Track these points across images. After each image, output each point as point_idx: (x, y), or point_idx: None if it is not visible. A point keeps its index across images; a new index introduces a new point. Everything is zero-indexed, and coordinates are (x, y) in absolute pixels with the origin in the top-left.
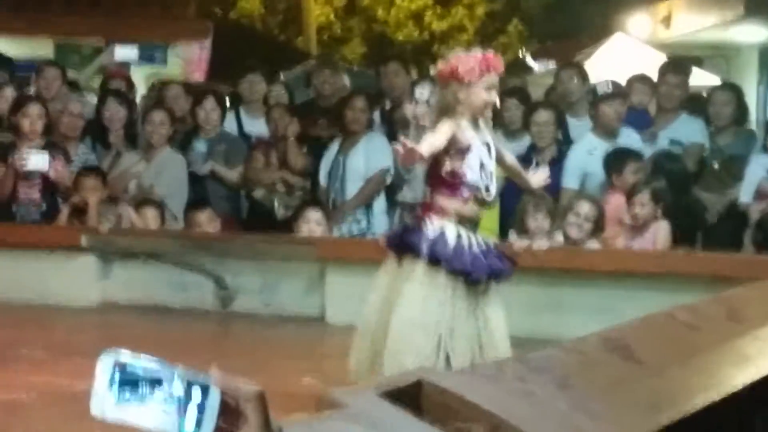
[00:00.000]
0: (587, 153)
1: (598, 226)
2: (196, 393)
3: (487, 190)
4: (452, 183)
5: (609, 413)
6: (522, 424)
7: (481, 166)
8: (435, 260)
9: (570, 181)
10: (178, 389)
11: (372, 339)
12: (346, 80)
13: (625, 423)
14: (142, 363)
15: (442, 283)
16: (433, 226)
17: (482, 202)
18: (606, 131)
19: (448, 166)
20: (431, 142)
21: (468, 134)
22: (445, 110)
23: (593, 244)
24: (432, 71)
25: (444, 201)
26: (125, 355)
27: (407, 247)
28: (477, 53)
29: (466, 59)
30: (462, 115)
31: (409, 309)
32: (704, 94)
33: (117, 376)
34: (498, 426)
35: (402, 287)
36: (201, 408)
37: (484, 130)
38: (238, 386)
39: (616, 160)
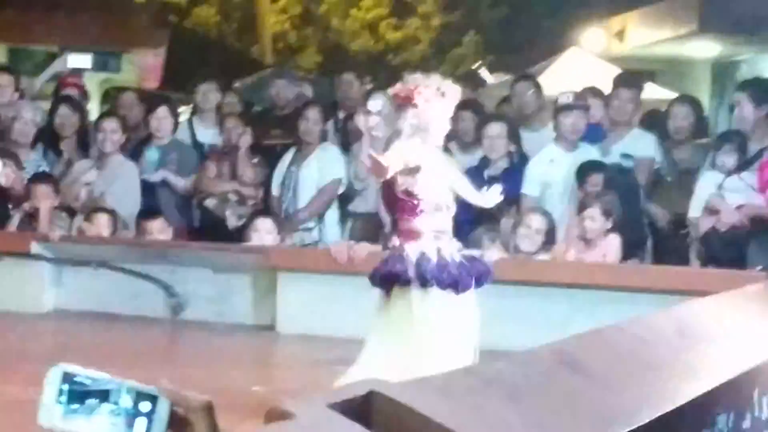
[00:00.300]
0: (548, 162)
1: (549, 239)
2: (145, 404)
3: (446, 202)
4: (409, 203)
5: (560, 427)
6: None
7: (434, 183)
8: (424, 280)
9: (530, 188)
10: (126, 401)
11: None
12: (308, 89)
13: None
14: (90, 375)
15: (434, 300)
16: (412, 249)
17: (445, 212)
18: (567, 142)
19: (401, 185)
20: (393, 161)
21: (419, 154)
22: (398, 131)
23: (544, 257)
24: (389, 91)
25: (411, 224)
26: (73, 367)
27: (394, 278)
28: (435, 81)
29: (423, 88)
30: (414, 137)
31: (428, 335)
32: (662, 109)
33: (65, 387)
34: None
35: (403, 318)
36: (150, 418)
37: (436, 151)
38: (186, 397)
39: (580, 172)
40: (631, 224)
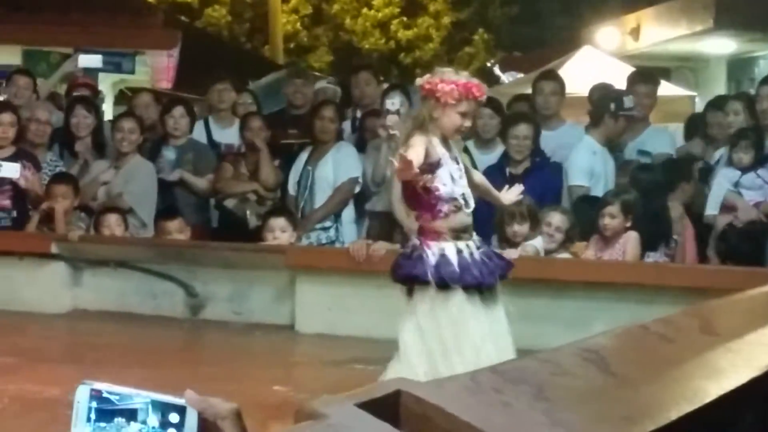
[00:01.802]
0: (592, 153)
1: (569, 237)
2: (173, 416)
3: (465, 199)
4: (428, 201)
5: (584, 425)
6: None
7: (452, 179)
8: (444, 284)
9: (579, 178)
10: (153, 420)
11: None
12: (333, 89)
13: None
14: (117, 390)
15: (458, 301)
16: (431, 250)
17: (465, 210)
18: (606, 140)
19: (420, 181)
20: (414, 156)
21: (438, 150)
22: (418, 124)
23: (564, 255)
24: (418, 81)
25: (431, 223)
26: (100, 384)
27: (413, 280)
28: (461, 78)
29: (448, 81)
30: (433, 133)
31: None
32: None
33: (93, 404)
34: None
35: (428, 318)
36: (179, 430)
37: (453, 149)
38: (213, 404)
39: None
40: (651, 221)
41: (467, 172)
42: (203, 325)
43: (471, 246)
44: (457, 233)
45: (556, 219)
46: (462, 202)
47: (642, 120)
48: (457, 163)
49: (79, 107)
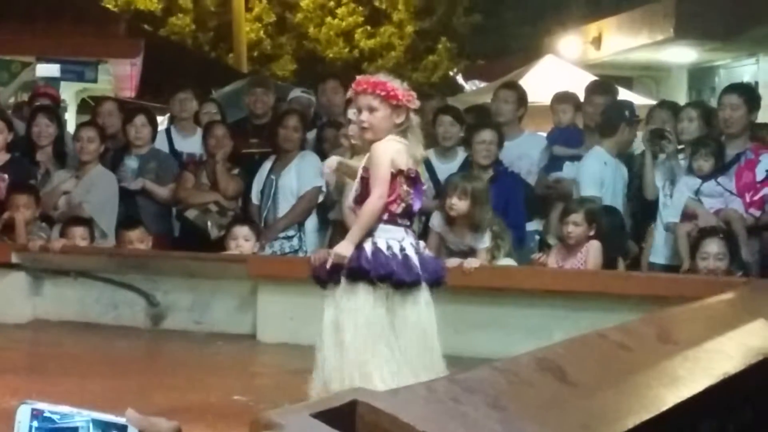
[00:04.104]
0: (602, 163)
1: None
2: None
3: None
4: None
5: None
6: None
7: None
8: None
9: (591, 188)
10: None
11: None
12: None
13: None
14: (57, 410)
15: (364, 294)
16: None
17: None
18: (620, 151)
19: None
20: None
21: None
22: (393, 129)
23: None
24: (388, 86)
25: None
26: (40, 404)
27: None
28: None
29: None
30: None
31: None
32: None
33: (35, 424)
34: None
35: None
36: None
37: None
38: (154, 423)
39: None
40: (612, 230)
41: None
42: (164, 334)
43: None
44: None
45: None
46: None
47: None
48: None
49: (41, 116)
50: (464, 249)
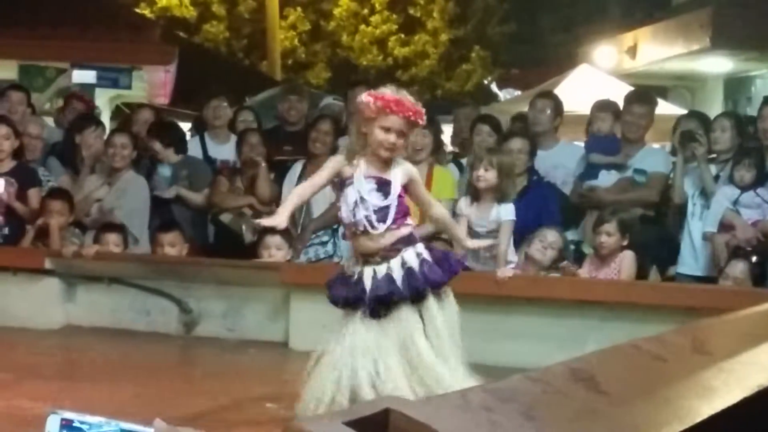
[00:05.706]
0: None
1: (562, 255)
2: None
3: (370, 223)
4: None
5: None
6: None
7: (362, 200)
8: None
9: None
10: None
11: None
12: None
13: None
14: (87, 419)
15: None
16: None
17: (369, 233)
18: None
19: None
20: (311, 181)
21: (353, 170)
22: (349, 144)
23: (557, 274)
24: (404, 101)
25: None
26: (70, 413)
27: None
28: (386, 92)
29: (374, 94)
30: (362, 151)
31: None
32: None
33: None
34: None
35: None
36: None
37: (390, 169)
38: None
39: None
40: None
41: (424, 204)
42: (197, 341)
43: (383, 269)
44: (365, 257)
45: (551, 235)
46: (362, 226)
47: (638, 140)
48: (385, 185)
49: (91, 125)
50: (490, 230)
